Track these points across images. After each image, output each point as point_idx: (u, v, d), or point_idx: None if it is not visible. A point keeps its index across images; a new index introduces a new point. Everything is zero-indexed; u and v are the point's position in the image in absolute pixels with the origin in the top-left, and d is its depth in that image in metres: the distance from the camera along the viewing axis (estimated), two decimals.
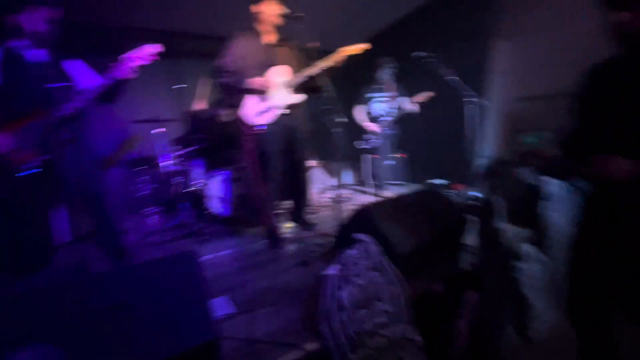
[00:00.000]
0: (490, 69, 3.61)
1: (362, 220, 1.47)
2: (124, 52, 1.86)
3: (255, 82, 2.10)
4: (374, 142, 3.72)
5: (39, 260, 1.97)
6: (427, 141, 4.41)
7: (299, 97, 2.24)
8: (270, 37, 2.24)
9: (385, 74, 3.62)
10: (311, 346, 1.10)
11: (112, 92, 1.94)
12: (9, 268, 1.97)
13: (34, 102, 1.74)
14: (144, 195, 3.36)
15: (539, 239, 1.98)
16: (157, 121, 2.74)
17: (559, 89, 3.18)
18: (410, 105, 3.55)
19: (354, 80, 4.81)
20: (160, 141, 2.81)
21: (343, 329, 1.10)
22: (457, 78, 2.98)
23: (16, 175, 1.76)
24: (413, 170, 4.56)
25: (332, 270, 1.17)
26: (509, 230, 1.99)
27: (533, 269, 1.81)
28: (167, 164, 2.88)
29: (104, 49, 3.05)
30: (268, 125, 2.17)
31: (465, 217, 1.74)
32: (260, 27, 2.20)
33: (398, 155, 4.34)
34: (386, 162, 3.97)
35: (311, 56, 2.00)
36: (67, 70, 1.97)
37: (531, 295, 1.74)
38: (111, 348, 0.75)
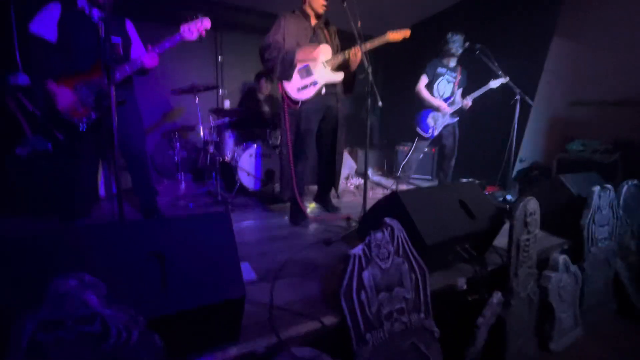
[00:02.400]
0: (543, 68, 3.36)
1: (391, 205, 1.44)
2: (168, 19, 1.90)
3: (304, 51, 2.13)
4: (435, 131, 3.14)
5: (85, 208, 2.12)
6: (462, 137, 4.22)
7: (339, 76, 2.23)
8: (314, 20, 2.29)
9: (457, 45, 3.05)
10: (328, 320, 1.12)
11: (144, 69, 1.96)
12: (58, 212, 2.14)
13: (91, 59, 1.82)
14: (175, 161, 3.50)
15: (575, 250, 1.88)
16: (197, 90, 2.80)
17: (620, 96, 2.96)
18: (468, 103, 3.08)
19: (401, 64, 4.52)
20: (198, 111, 2.88)
21: (361, 308, 1.11)
22: (502, 73, 2.81)
23: (72, 129, 1.87)
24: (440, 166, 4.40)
25: (357, 250, 1.17)
26: (542, 237, 1.90)
27: (564, 279, 1.72)
28: (202, 133, 2.96)
29: (148, 15, 3.13)
30: (307, 102, 2.17)
31: (502, 218, 1.67)
32: (307, 9, 2.25)
33: (426, 150, 4.19)
34: (415, 155, 3.83)
35: (352, 39, 1.97)
36: (129, 32, 2.04)
37: (558, 307, 1.67)
38: (145, 290, 0.79)
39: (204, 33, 1.93)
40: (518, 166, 3.70)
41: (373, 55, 2.08)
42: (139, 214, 2.28)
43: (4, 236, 0.69)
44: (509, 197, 2.74)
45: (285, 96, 2.16)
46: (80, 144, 1.94)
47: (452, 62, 3.22)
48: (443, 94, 3.23)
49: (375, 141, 5.30)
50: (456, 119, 3.23)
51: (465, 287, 1.44)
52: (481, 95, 3.09)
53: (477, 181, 3.61)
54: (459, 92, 3.22)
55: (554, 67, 3.36)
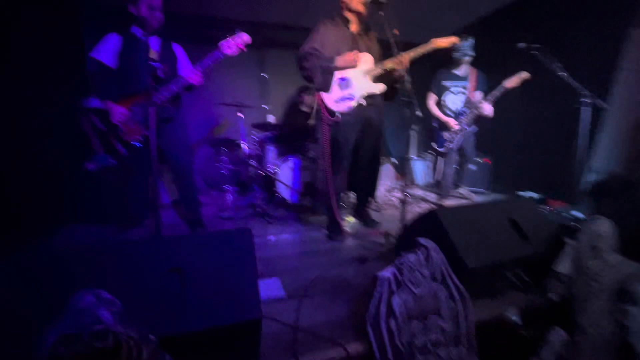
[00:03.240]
0: (619, 65, 2.92)
1: (428, 223, 1.33)
2: (215, 41, 2.03)
3: (345, 58, 2.04)
4: (452, 141, 3.05)
5: (139, 217, 2.31)
6: (520, 145, 3.83)
7: (380, 87, 2.14)
8: (354, 26, 2.20)
9: (462, 51, 2.94)
10: (354, 348, 1.04)
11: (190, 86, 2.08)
12: (115, 221, 2.36)
13: (145, 82, 2.00)
14: (223, 173, 3.68)
15: None
16: (240, 106, 2.94)
17: None
18: (487, 108, 2.90)
19: (429, 64, 4.36)
20: (242, 125, 3.01)
21: (390, 338, 1.01)
22: (567, 74, 2.50)
23: (129, 145, 2.07)
24: (499, 178, 4.04)
25: (386, 272, 1.08)
26: (622, 264, 1.60)
27: None
28: (245, 147, 3.08)
29: (196, 37, 3.38)
30: (346, 114, 2.12)
31: (562, 240, 1.44)
32: (346, 14, 2.18)
33: (480, 160, 3.87)
34: (469, 166, 3.56)
35: (392, 47, 1.88)
36: (176, 53, 2.22)
37: None
38: (163, 307, 0.80)
39: (244, 47, 2.00)
40: (590, 177, 3.23)
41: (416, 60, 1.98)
42: (185, 225, 2.42)
43: (39, 250, 0.75)
44: (577, 214, 2.38)
45: (324, 108, 2.13)
46: (135, 159, 2.13)
47: (461, 70, 3.07)
48: (454, 107, 3.10)
49: (419, 152, 5.06)
50: (473, 129, 3.06)
51: (517, 319, 1.25)
52: (525, 80, 2.85)
53: (536, 195, 3.25)
54: (478, 96, 2.97)
55: (634, 64, 2.90)
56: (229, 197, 3.46)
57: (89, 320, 0.64)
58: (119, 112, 1.97)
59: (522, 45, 2.62)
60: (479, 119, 3.04)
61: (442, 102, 3.15)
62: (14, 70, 2.22)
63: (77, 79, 2.75)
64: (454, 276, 1.15)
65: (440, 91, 3.14)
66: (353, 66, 2.08)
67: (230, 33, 1.99)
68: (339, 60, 2.05)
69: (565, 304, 1.29)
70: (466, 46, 2.97)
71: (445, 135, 3.07)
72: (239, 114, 2.97)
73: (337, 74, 2.11)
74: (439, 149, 3.13)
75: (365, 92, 2.13)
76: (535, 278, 1.36)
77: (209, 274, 0.88)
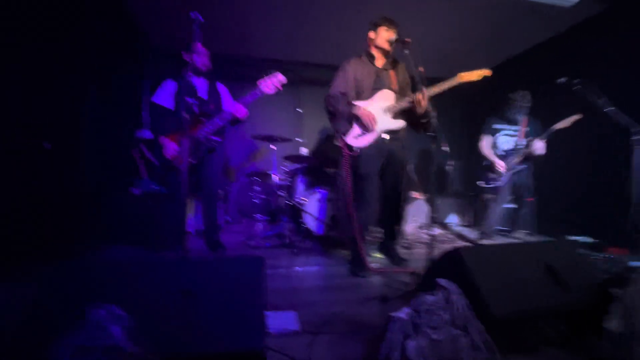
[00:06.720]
0: None
1: (451, 263, 1.25)
2: (252, 79, 2.26)
3: (363, 115, 2.11)
4: (498, 181, 3.14)
5: (175, 241, 2.45)
6: (571, 184, 3.54)
7: (399, 124, 2.18)
8: (379, 62, 2.28)
9: (517, 113, 3.10)
10: None
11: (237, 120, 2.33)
12: (150, 244, 2.51)
13: (195, 119, 2.24)
14: (255, 202, 3.80)
15: None
16: (275, 140, 3.09)
17: None
18: (538, 146, 2.96)
19: (482, 107, 4.34)
20: (274, 157, 3.15)
21: None
22: (615, 109, 2.33)
23: (176, 172, 2.28)
24: (545, 219, 3.71)
25: (401, 313, 1.02)
26: None
27: None
28: (276, 178, 3.19)
29: (236, 76, 3.72)
30: (367, 148, 2.15)
31: (610, 291, 1.28)
32: (373, 51, 2.28)
33: (524, 198, 3.62)
34: (505, 206, 3.34)
35: (418, 82, 1.93)
36: (220, 91, 2.49)
37: None
38: (172, 327, 0.82)
39: (280, 87, 2.21)
40: None
41: (451, 94, 2.01)
42: (207, 248, 2.51)
43: (62, 265, 0.83)
44: (636, 263, 2.09)
45: (343, 143, 2.19)
46: (179, 185, 2.31)
47: (514, 115, 3.13)
48: (504, 147, 3.21)
49: (459, 187, 4.86)
50: (524, 167, 3.13)
51: None
52: (576, 121, 2.88)
53: (590, 239, 2.92)
54: (533, 140, 3.03)
55: None
56: (259, 226, 3.55)
57: (101, 334, 0.69)
58: (171, 148, 2.22)
59: (562, 80, 2.52)
60: (530, 158, 3.07)
61: (493, 144, 3.24)
62: (76, 103, 2.59)
63: (131, 113, 3.13)
64: (479, 324, 1.05)
65: (493, 132, 3.24)
66: (368, 128, 2.13)
67: (267, 73, 2.20)
68: (358, 112, 2.12)
69: None
70: (524, 112, 3.10)
71: (490, 175, 3.17)
72: (271, 146, 3.11)
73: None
74: (486, 186, 3.22)
75: (385, 129, 2.16)
76: (578, 334, 1.20)
77: (217, 298, 0.90)
